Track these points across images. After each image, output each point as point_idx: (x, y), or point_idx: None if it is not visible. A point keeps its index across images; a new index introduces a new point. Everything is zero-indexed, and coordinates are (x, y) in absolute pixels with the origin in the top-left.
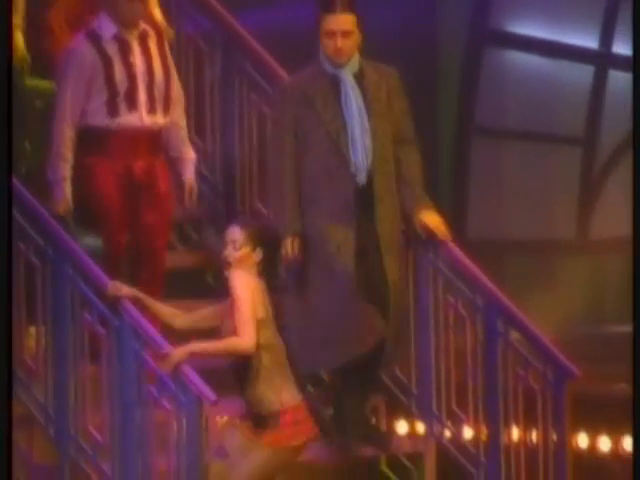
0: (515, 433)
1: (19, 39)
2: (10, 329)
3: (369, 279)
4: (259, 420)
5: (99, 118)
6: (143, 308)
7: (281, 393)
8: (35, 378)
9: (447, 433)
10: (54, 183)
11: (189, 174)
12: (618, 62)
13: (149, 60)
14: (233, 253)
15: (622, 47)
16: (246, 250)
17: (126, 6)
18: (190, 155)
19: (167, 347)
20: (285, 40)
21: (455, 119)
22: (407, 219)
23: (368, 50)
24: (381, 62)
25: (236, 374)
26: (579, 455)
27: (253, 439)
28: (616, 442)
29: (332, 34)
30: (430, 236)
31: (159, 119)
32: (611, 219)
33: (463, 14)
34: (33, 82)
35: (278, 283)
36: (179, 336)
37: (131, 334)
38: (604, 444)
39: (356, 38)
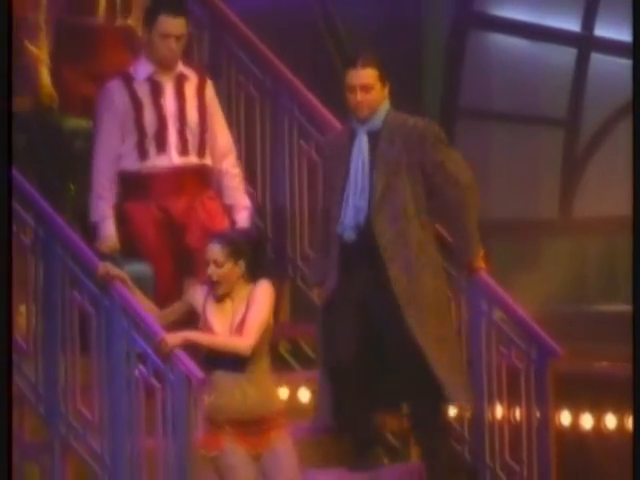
0: (499, 411)
1: (44, 75)
2: (10, 316)
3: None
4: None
5: (130, 161)
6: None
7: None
8: (25, 357)
9: None
10: (97, 223)
11: (243, 222)
12: (600, 45)
13: (182, 102)
14: (217, 271)
15: (604, 30)
16: (229, 266)
17: (159, 46)
18: (244, 203)
19: (161, 332)
20: (282, 27)
21: (440, 102)
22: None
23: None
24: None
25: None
26: (562, 432)
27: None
28: (598, 419)
29: (353, 89)
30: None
31: (192, 160)
32: (594, 199)
33: None
34: (71, 122)
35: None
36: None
37: (120, 313)
38: (587, 421)
39: (378, 92)
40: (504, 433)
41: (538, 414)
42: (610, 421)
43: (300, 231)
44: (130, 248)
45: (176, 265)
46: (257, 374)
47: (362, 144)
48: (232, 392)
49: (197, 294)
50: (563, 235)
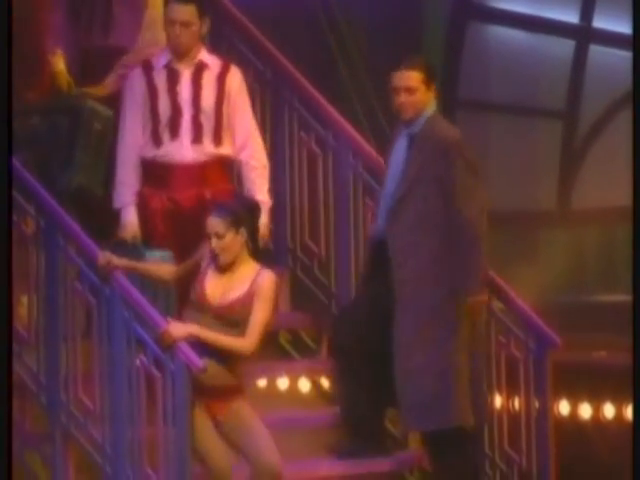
0: (498, 400)
1: (60, 62)
2: (11, 306)
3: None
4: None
5: (147, 148)
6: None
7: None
8: (27, 346)
9: None
10: (121, 209)
11: (262, 218)
12: (598, 36)
13: (198, 90)
14: (219, 244)
15: (602, 22)
16: (230, 236)
17: (166, 32)
18: (260, 197)
19: (164, 323)
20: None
21: (439, 93)
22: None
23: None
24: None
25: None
26: (561, 422)
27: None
28: (597, 409)
29: (397, 90)
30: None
31: (207, 148)
32: (592, 190)
33: None
34: (92, 105)
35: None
36: None
37: (121, 303)
38: (585, 411)
39: (422, 95)
40: (503, 423)
41: (537, 404)
42: (609, 411)
43: (300, 222)
44: (145, 234)
45: (182, 256)
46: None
47: (401, 146)
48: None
49: (205, 252)
50: (562, 226)
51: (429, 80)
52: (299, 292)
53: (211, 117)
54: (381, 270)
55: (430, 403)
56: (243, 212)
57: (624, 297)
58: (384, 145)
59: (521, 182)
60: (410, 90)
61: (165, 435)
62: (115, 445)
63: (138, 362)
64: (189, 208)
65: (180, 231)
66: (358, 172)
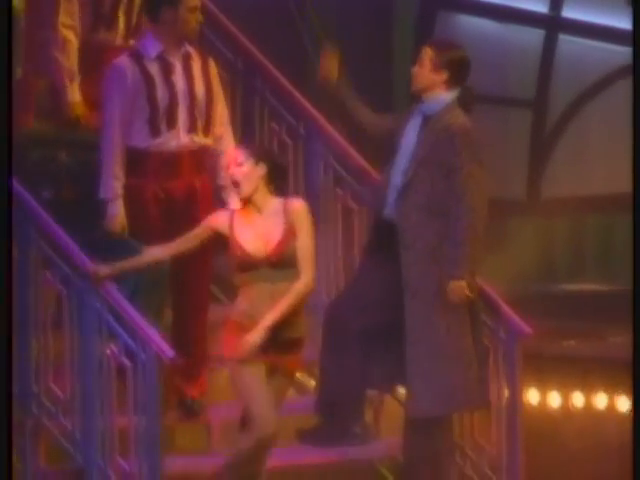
0: None
1: (76, 91)
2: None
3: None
4: (284, 345)
5: (140, 138)
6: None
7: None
8: None
9: (401, 390)
10: (108, 201)
11: (234, 205)
12: (568, 26)
13: (191, 80)
14: (237, 170)
15: (571, 11)
16: (249, 165)
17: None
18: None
19: (246, 337)
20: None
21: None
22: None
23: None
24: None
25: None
26: (530, 411)
27: (278, 365)
28: (566, 398)
29: (415, 61)
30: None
31: (199, 139)
32: (561, 179)
33: None
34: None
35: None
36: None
37: (93, 293)
38: (554, 400)
39: (428, 72)
40: (473, 412)
41: (507, 393)
42: (578, 399)
43: None
44: (137, 226)
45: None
46: (287, 286)
47: (414, 125)
48: (266, 301)
49: (220, 217)
50: (531, 215)
51: (438, 62)
52: None
53: (202, 107)
54: (387, 252)
55: (441, 388)
56: (263, 150)
57: (593, 286)
58: (356, 135)
59: (491, 171)
60: (420, 62)
61: (136, 425)
62: (86, 435)
63: (109, 352)
64: (180, 197)
65: (171, 221)
66: (329, 162)
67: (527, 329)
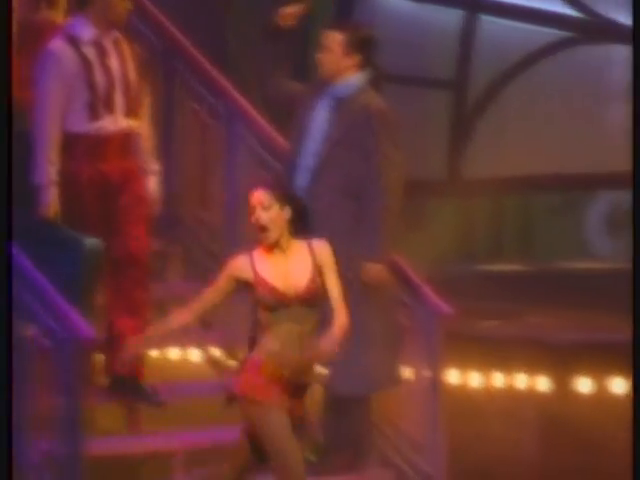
0: None
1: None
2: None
3: None
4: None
5: (79, 123)
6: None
7: None
8: None
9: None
10: (42, 187)
11: (154, 187)
12: (487, 6)
13: (124, 64)
14: (263, 215)
15: None
16: (275, 210)
17: (117, 5)
18: (155, 167)
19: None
20: None
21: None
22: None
23: None
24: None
25: None
26: (451, 391)
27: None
28: (487, 378)
29: (319, 47)
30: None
31: (133, 122)
32: (481, 160)
33: None
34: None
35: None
36: None
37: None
38: (475, 380)
39: (338, 57)
40: (393, 393)
41: (427, 373)
42: (498, 380)
43: (191, 192)
44: (67, 210)
45: (108, 229)
46: (312, 327)
47: (324, 107)
48: (295, 341)
49: (240, 263)
50: (451, 196)
51: (350, 47)
52: (190, 262)
53: (136, 91)
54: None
55: (360, 369)
56: (288, 190)
57: (513, 266)
58: (275, 115)
59: (410, 152)
60: (326, 48)
61: (57, 404)
62: (7, 417)
63: (29, 332)
64: (116, 180)
65: (106, 204)
66: (249, 142)
67: (447, 309)
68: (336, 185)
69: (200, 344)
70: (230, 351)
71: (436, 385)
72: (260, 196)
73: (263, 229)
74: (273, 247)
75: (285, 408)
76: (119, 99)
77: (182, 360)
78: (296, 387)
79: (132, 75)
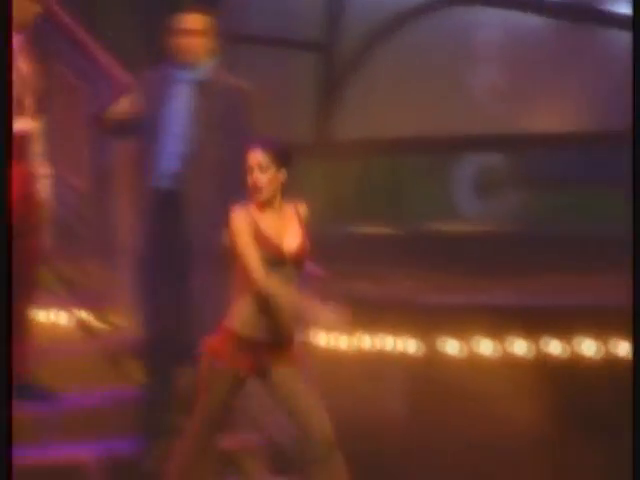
0: None
1: None
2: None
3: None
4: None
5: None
6: None
7: None
8: None
9: None
10: None
11: (45, 190)
12: None
13: (29, 65)
14: (261, 177)
15: None
16: (272, 172)
17: (20, 11)
18: (46, 170)
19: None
20: None
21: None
22: None
23: None
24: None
25: None
26: (320, 354)
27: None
28: (356, 340)
29: (178, 32)
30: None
31: (35, 123)
32: (349, 123)
33: None
34: None
35: None
36: None
37: None
38: (344, 342)
39: (203, 40)
40: None
41: (298, 336)
42: (367, 342)
43: (61, 155)
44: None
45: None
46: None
47: (185, 92)
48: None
49: (247, 217)
50: (320, 158)
51: (210, 28)
52: (62, 226)
53: (40, 92)
54: (169, 220)
55: None
56: (285, 152)
57: (382, 229)
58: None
59: (278, 114)
60: (191, 33)
61: None
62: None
63: None
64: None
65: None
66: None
67: (318, 271)
68: (209, 168)
69: (66, 307)
70: (98, 314)
71: (305, 347)
72: (258, 157)
73: (257, 189)
74: (266, 206)
75: (246, 370)
76: (29, 100)
77: (51, 324)
78: (269, 345)
79: (38, 75)
